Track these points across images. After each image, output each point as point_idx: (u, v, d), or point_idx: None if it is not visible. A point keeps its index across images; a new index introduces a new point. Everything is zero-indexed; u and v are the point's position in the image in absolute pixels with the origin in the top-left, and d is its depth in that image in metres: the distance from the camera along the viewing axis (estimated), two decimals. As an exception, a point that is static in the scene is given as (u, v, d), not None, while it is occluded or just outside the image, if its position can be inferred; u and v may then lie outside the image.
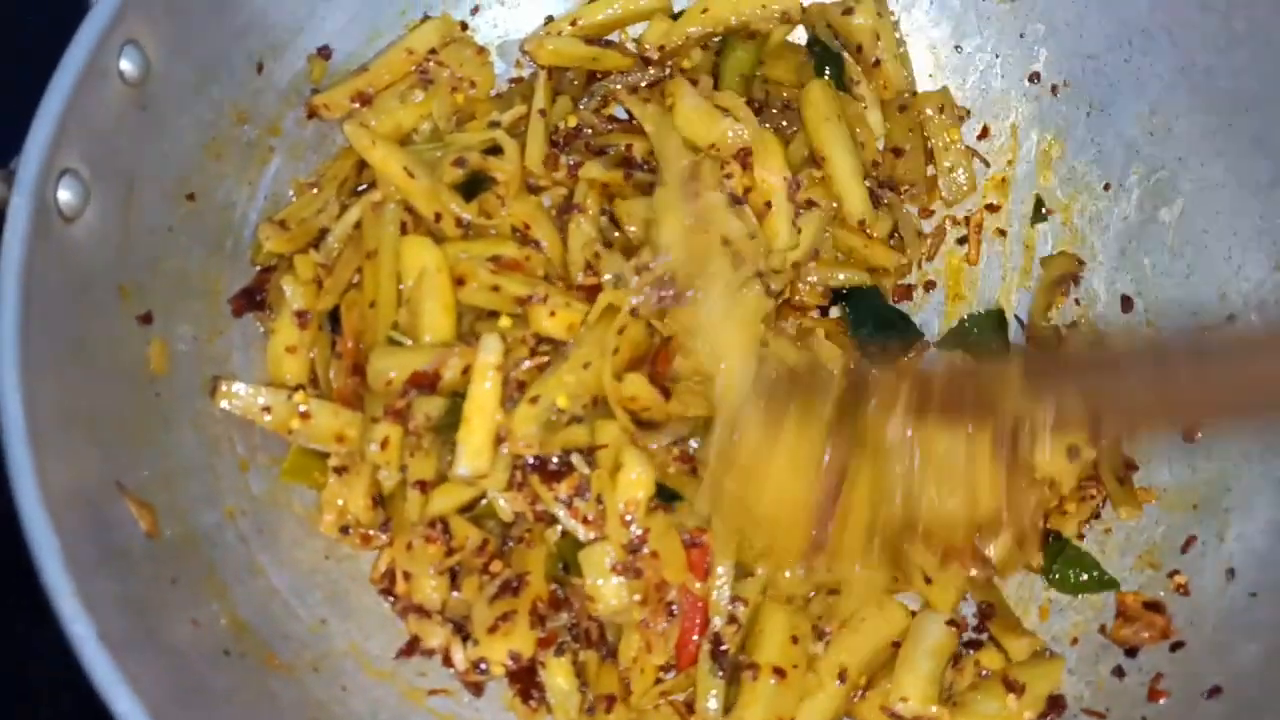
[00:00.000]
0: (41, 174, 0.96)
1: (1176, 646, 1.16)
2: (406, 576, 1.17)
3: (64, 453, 0.93)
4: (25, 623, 1.22)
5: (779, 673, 1.12)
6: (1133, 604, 1.19)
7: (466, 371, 1.15)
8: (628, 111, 1.32)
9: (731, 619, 1.14)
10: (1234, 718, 1.07)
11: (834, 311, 1.34)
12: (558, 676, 1.16)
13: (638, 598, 1.13)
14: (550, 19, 1.37)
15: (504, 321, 1.19)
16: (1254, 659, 1.09)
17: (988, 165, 1.42)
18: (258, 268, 1.23)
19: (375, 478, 1.17)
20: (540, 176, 1.26)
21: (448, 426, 1.15)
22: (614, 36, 1.38)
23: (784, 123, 1.35)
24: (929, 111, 1.40)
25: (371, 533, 1.19)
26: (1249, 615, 1.13)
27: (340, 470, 1.18)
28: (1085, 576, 1.22)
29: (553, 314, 1.17)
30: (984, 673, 1.18)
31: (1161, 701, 1.13)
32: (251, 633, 1.08)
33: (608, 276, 1.18)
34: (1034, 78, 1.39)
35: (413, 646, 1.17)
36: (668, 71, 1.34)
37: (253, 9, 1.19)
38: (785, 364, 1.16)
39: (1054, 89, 1.38)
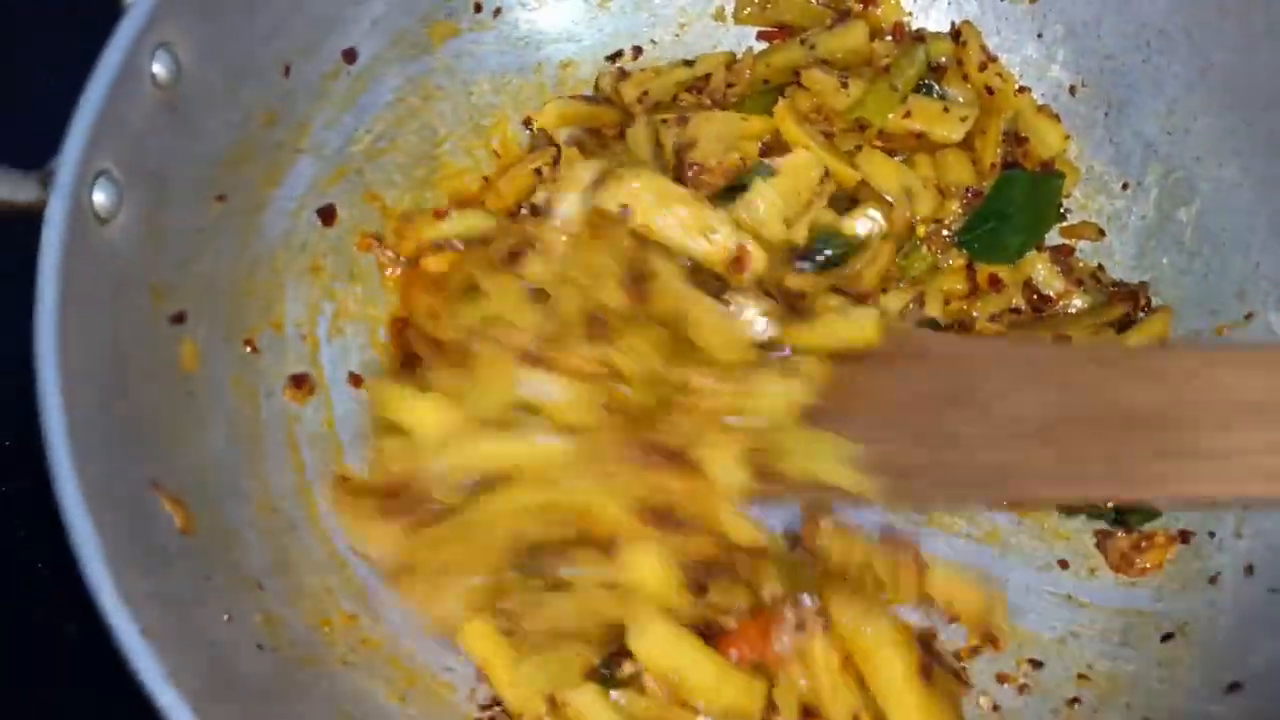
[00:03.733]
0: (78, 176, 0.96)
1: (1194, 642, 1.17)
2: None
3: (103, 452, 0.94)
4: (62, 618, 1.23)
5: None
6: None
7: None
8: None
9: None
10: (1253, 714, 1.08)
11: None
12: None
13: None
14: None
15: None
16: (1274, 655, 1.10)
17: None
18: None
19: None
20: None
21: None
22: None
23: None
24: None
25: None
26: (1269, 611, 1.14)
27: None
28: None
29: None
30: None
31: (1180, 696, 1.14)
32: (284, 627, 1.09)
33: None
34: (1052, 78, 1.40)
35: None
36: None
37: (281, 11, 1.19)
38: None
39: (1072, 89, 1.39)
